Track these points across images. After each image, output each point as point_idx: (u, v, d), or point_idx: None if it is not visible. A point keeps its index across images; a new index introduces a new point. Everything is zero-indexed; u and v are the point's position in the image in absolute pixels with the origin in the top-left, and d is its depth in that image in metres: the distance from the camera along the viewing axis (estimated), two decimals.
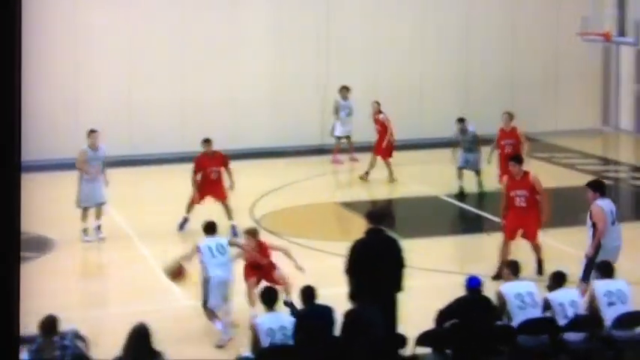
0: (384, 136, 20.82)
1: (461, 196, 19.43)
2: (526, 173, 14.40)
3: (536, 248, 14.45)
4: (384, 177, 20.85)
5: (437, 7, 25.34)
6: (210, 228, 12.76)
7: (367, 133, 22.61)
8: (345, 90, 22.82)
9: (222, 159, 17.04)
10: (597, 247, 12.30)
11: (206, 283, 12.37)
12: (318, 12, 24.62)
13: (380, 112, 21.08)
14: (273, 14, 24.41)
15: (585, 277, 12.14)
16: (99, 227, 16.63)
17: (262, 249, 12.81)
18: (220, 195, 16.85)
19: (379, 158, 20.90)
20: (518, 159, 14.68)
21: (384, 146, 20.74)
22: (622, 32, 21.34)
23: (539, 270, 14.25)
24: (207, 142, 17.04)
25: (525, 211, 14.23)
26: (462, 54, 25.60)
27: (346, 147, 23.04)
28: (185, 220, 16.84)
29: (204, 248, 12.43)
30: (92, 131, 16.81)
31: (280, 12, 24.43)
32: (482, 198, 19.39)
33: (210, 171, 16.87)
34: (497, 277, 13.51)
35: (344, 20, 24.80)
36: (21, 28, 5.47)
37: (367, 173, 20.93)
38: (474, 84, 25.63)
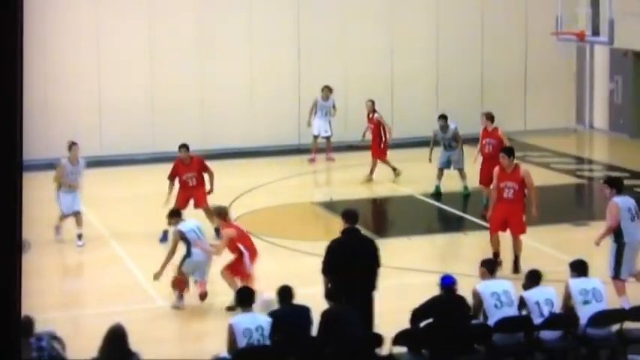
0: (379, 135, 20.67)
1: (437, 195, 19.44)
2: (517, 166, 14.55)
3: (517, 245, 14.52)
4: (360, 177, 20.90)
5: (407, 8, 25.32)
6: (176, 213, 13.72)
7: (342, 134, 22.74)
8: (327, 90, 22.70)
9: (199, 165, 16.69)
10: (619, 242, 12.51)
11: (186, 257, 13.24)
12: (291, 13, 24.58)
13: (374, 110, 20.88)
14: (248, 13, 24.36)
15: (616, 274, 12.54)
16: (80, 236, 16.43)
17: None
18: (199, 201, 16.57)
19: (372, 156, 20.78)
20: (509, 151, 14.73)
21: (382, 145, 20.60)
22: (596, 31, 21.40)
23: (515, 268, 14.32)
24: (182, 147, 16.64)
25: (511, 204, 14.37)
26: (433, 54, 25.61)
27: (324, 146, 23.04)
28: (166, 233, 15.95)
29: (189, 232, 13.24)
30: (73, 144, 16.42)
31: (254, 11, 24.38)
32: (462, 199, 19.31)
33: (185, 178, 16.55)
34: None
35: (317, 21, 24.75)
36: (22, 26, 5.44)
37: (389, 172, 20.79)
38: (445, 84, 25.65)
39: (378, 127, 20.76)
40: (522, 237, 14.62)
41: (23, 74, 5.55)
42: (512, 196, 14.35)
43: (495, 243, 14.51)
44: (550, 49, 24.88)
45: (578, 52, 26.63)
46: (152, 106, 23.80)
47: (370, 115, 20.97)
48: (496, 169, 14.73)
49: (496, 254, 14.40)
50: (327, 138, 22.89)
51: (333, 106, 22.75)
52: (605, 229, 12.60)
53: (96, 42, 23.29)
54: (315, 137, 22.88)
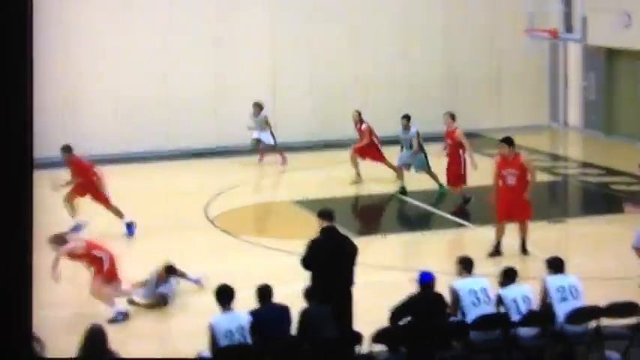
0: (374, 141, 20.36)
1: (403, 194, 19.37)
2: (517, 154, 15.00)
3: (522, 229, 14.98)
4: (337, 176, 20.91)
5: (376, 7, 25.33)
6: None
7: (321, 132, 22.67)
8: (256, 107, 22.36)
9: (76, 166, 16.67)
10: None
11: None
12: (261, 11, 24.51)
13: (362, 121, 20.53)
14: (214, 13, 24.23)
15: None
16: None
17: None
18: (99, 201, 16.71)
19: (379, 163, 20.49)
20: (508, 141, 15.09)
21: (368, 148, 20.27)
22: (569, 28, 21.52)
23: (523, 250, 14.91)
24: (63, 149, 16.70)
25: (515, 190, 14.80)
26: (404, 52, 25.60)
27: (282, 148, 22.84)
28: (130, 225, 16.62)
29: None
30: None
31: (220, 11, 24.24)
32: (439, 197, 19.32)
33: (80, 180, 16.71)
34: (493, 254, 14.75)
35: (285, 20, 24.69)
36: (32, 25, 5.41)
37: (358, 175, 20.52)
38: (416, 82, 25.63)
39: (370, 135, 20.41)
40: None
41: (33, 74, 5.52)
42: (514, 182, 14.79)
43: (500, 232, 14.95)
44: (523, 46, 24.97)
45: (551, 48, 26.74)
46: (117, 105, 23.57)
47: (358, 126, 20.66)
48: (496, 157, 15.17)
49: (498, 243, 14.90)
50: (257, 141, 22.49)
51: (266, 121, 22.31)
52: None
53: (60, 39, 23.05)
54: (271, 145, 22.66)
